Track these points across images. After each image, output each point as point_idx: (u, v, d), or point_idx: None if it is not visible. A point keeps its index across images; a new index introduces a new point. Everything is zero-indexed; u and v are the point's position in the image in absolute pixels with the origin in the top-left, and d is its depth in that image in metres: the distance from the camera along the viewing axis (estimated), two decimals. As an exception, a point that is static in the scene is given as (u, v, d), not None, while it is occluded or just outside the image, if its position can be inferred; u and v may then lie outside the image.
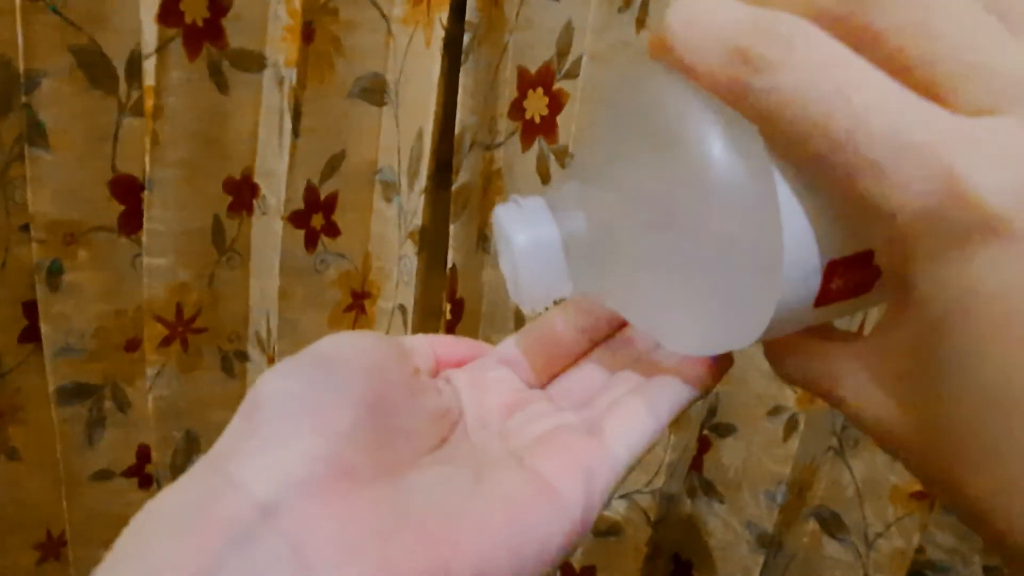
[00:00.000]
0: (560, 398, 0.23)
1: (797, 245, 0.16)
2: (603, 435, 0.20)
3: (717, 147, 0.16)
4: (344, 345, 0.20)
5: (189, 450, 0.61)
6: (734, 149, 0.16)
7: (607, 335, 0.25)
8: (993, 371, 0.14)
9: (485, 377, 0.23)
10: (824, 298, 0.17)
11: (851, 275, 0.17)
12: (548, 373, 0.24)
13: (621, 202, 0.19)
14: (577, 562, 0.57)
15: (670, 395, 0.21)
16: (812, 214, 0.16)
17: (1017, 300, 0.13)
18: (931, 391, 0.15)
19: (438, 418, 0.21)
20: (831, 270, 0.16)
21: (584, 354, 0.24)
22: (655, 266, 0.19)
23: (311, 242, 0.55)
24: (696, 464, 0.56)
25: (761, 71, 0.14)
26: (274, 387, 0.18)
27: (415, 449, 0.19)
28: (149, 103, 0.50)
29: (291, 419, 0.17)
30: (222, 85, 0.53)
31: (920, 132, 0.13)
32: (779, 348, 0.20)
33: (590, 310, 0.24)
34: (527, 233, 0.19)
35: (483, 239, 0.54)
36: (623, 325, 0.25)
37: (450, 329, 0.53)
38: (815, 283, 0.17)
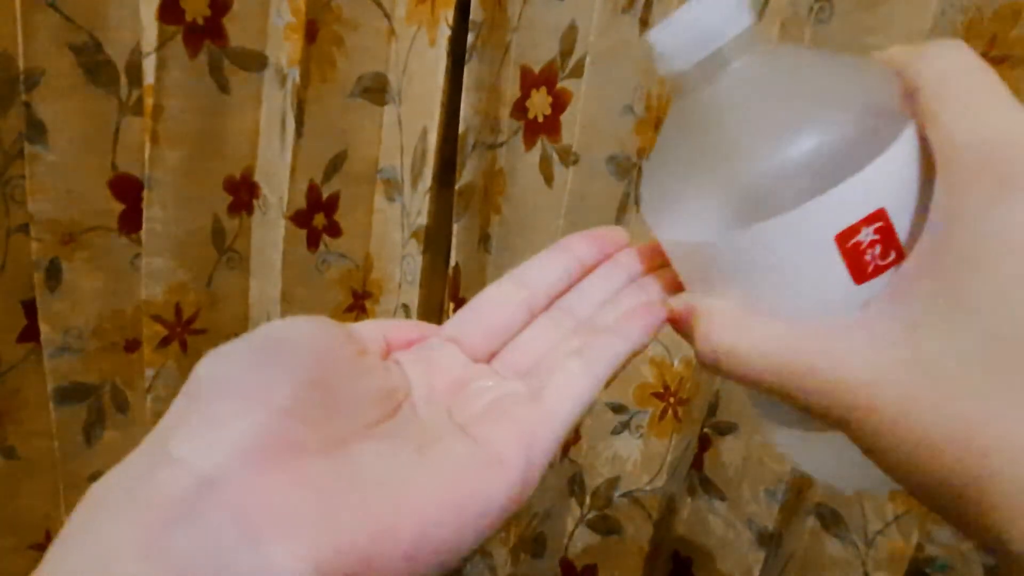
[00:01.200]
0: (505, 369, 0.24)
1: (875, 176, 0.19)
2: (543, 399, 0.22)
3: (886, 84, 0.20)
4: (286, 328, 0.21)
5: (188, 451, 0.61)
6: (894, 98, 0.20)
7: (546, 305, 0.26)
8: None
9: (432, 356, 0.24)
10: (846, 237, 0.19)
11: (874, 243, 0.19)
12: (492, 347, 0.25)
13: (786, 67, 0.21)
14: (578, 560, 0.58)
15: (607, 354, 0.23)
16: (902, 182, 0.19)
17: None
18: (958, 331, 0.17)
19: (384, 396, 0.21)
20: (876, 215, 0.19)
21: (525, 325, 0.26)
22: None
23: (313, 242, 0.55)
24: (696, 462, 0.56)
25: (941, 44, 0.19)
26: (214, 367, 0.19)
27: (360, 425, 0.20)
28: (149, 102, 0.50)
29: (231, 396, 0.18)
30: (222, 84, 0.52)
31: (1014, 108, 0.18)
32: (763, 347, 0.21)
33: (526, 283, 0.26)
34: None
35: (485, 238, 0.54)
36: (560, 295, 0.26)
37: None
38: (858, 213, 0.19)
